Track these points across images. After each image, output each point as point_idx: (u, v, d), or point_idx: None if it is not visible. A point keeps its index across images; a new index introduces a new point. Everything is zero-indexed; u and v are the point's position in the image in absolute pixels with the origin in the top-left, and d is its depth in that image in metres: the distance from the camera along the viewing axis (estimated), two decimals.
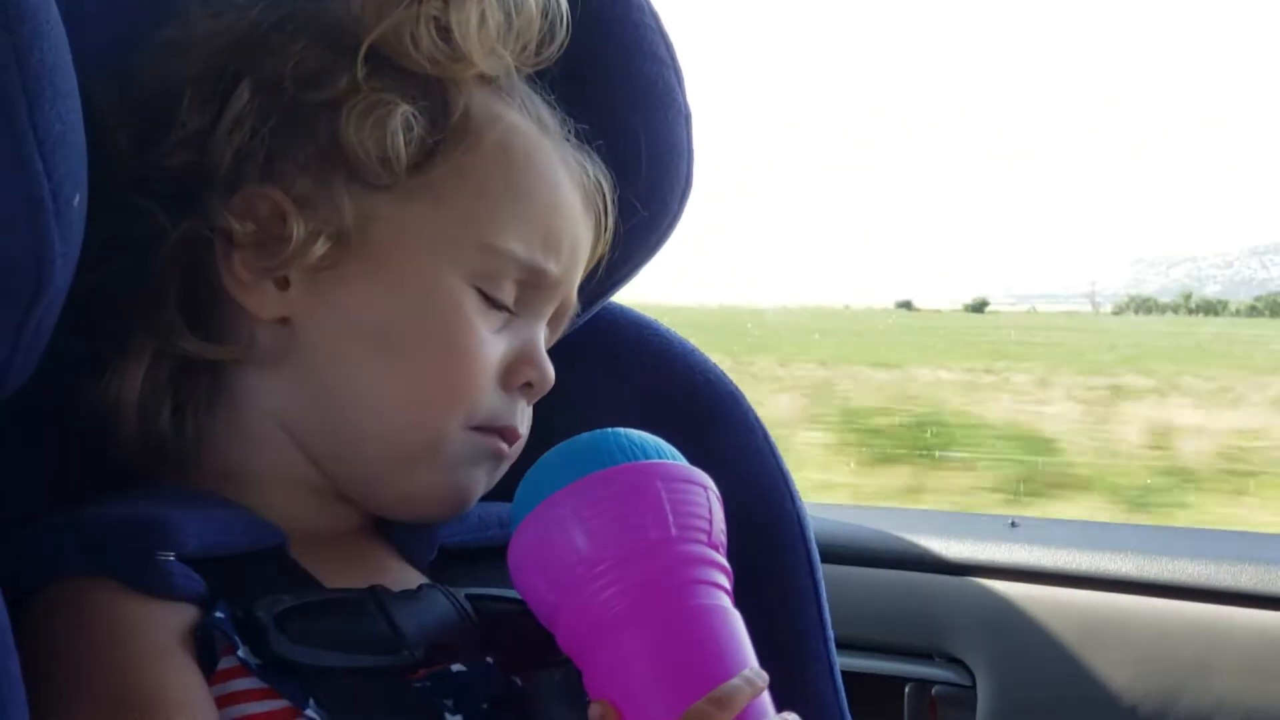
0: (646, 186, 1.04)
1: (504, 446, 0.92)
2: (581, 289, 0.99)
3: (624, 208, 1.01)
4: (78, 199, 0.78)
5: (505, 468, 0.94)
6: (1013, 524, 1.71)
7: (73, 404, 0.90)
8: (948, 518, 1.97)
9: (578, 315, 1.06)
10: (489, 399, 0.91)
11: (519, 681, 0.87)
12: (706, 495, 0.85)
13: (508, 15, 0.93)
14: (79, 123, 0.78)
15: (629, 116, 1.02)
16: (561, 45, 0.96)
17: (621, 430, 0.86)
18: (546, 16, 0.95)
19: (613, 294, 1.09)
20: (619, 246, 1.03)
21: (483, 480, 0.93)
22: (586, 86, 1.01)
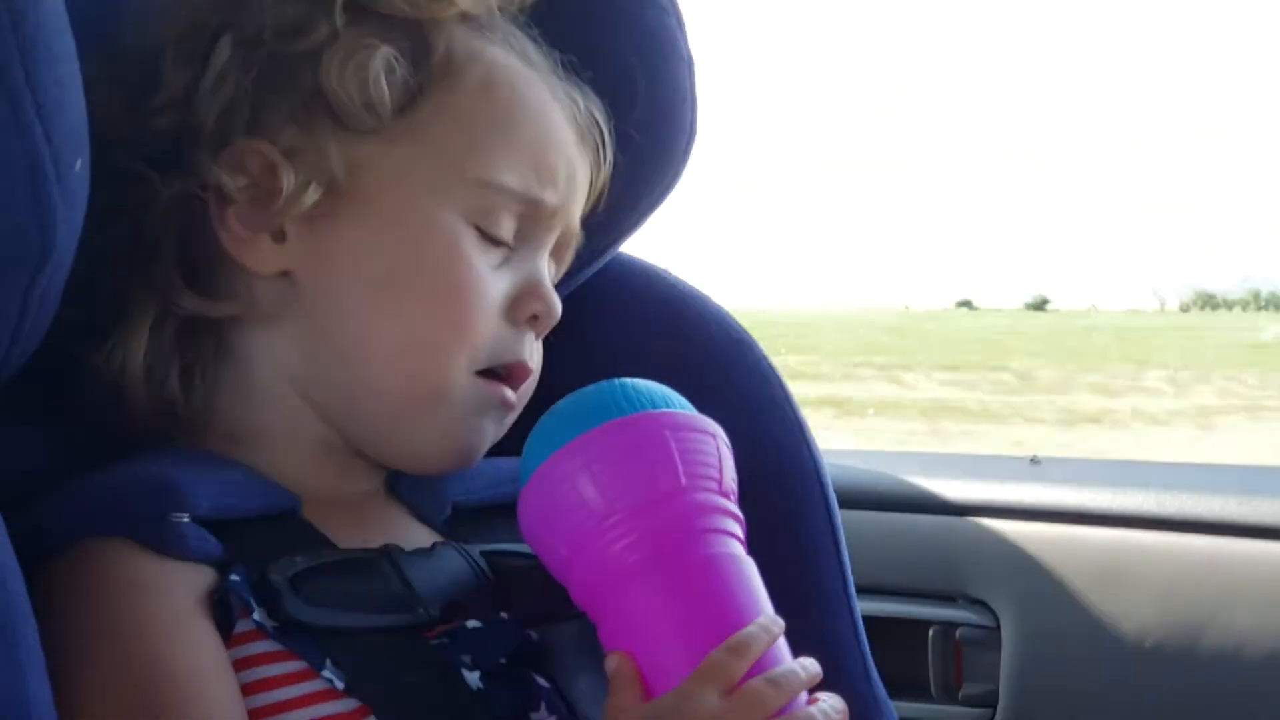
0: (652, 133, 1.03)
1: (510, 395, 0.92)
2: (586, 223, 0.99)
3: (629, 150, 1.00)
4: (79, 163, 0.78)
5: (512, 418, 0.94)
6: (1033, 460, 1.70)
7: (81, 375, 0.90)
8: (968, 460, 1.96)
9: (587, 266, 1.06)
10: (494, 335, 0.90)
11: (535, 636, 0.88)
12: (716, 443, 0.85)
13: None
14: (78, 87, 0.78)
15: (632, 62, 1.02)
16: None
17: (629, 380, 0.85)
18: None
19: (621, 243, 1.09)
20: (626, 194, 1.03)
21: (489, 431, 0.93)
22: (589, 33, 1.00)
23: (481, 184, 0.90)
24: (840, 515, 1.10)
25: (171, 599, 0.81)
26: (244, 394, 0.92)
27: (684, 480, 0.82)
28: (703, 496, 0.83)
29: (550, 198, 0.92)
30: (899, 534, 1.65)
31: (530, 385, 0.95)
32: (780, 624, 0.81)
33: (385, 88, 0.88)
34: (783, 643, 0.82)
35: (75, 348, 0.89)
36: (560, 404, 0.85)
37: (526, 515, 0.84)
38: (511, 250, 0.92)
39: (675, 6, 1.05)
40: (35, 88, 0.74)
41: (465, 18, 0.93)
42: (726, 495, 0.84)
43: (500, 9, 0.95)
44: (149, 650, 0.79)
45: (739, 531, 0.84)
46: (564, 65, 0.97)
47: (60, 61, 0.76)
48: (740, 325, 1.12)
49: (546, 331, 0.94)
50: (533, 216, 0.92)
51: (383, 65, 0.88)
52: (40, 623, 0.73)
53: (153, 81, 0.89)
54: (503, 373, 0.92)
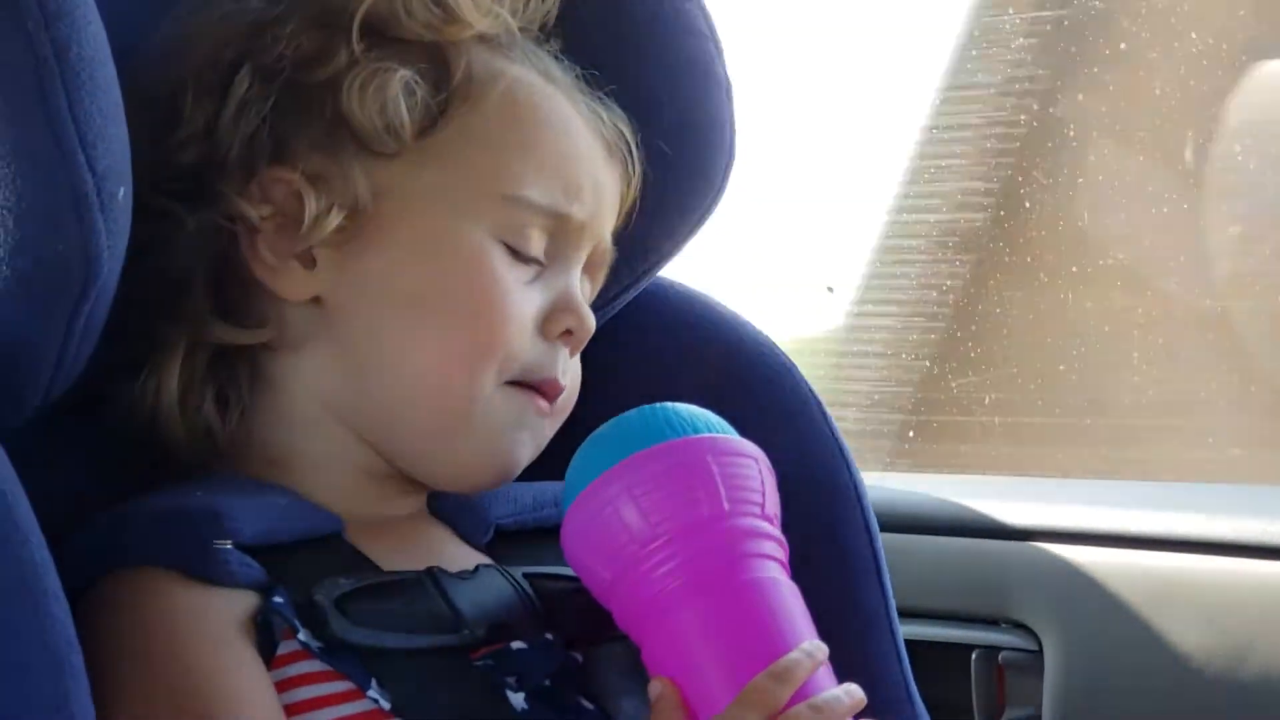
0: (690, 158, 1.03)
1: (544, 404, 0.92)
2: (624, 246, 0.99)
3: (664, 176, 1.01)
4: (122, 192, 0.78)
5: (550, 430, 0.94)
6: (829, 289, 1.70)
7: (117, 407, 0.91)
8: (1007, 483, 1.95)
9: (627, 290, 1.06)
10: (527, 351, 0.91)
11: (579, 658, 0.88)
12: (758, 468, 0.85)
13: None
14: (121, 117, 0.79)
15: (668, 89, 1.02)
16: None
17: (671, 405, 0.86)
18: None
19: (661, 267, 1.09)
20: (665, 219, 1.03)
21: (527, 444, 0.93)
22: (624, 60, 1.01)
23: (508, 200, 0.90)
24: (881, 538, 1.10)
25: (213, 624, 0.81)
26: (281, 419, 0.92)
27: (727, 505, 0.82)
28: (746, 521, 0.83)
29: (578, 212, 0.93)
30: (940, 557, 1.64)
31: (567, 402, 0.95)
32: (824, 650, 0.81)
33: (405, 110, 0.89)
34: (826, 669, 0.81)
35: (110, 380, 0.89)
36: (603, 429, 0.85)
37: (570, 539, 0.84)
38: (543, 267, 0.92)
39: (714, 32, 1.05)
40: (78, 117, 0.75)
41: (484, 38, 0.93)
42: (769, 519, 0.84)
43: (521, 29, 0.95)
44: (192, 675, 0.80)
45: (782, 556, 0.84)
46: (586, 80, 0.97)
47: (103, 91, 0.77)
48: (780, 349, 1.12)
49: (581, 347, 0.94)
50: (562, 232, 0.92)
51: (402, 88, 0.89)
52: (83, 649, 0.73)
53: (174, 116, 0.90)
54: (534, 389, 0.92)
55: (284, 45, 0.90)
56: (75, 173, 0.75)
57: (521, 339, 0.90)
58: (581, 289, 0.95)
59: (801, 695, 0.79)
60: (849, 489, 1.08)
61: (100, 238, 0.76)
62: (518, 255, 0.91)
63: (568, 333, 0.92)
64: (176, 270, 0.90)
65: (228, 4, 0.93)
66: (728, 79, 1.05)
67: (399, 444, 0.92)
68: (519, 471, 0.94)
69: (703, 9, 1.05)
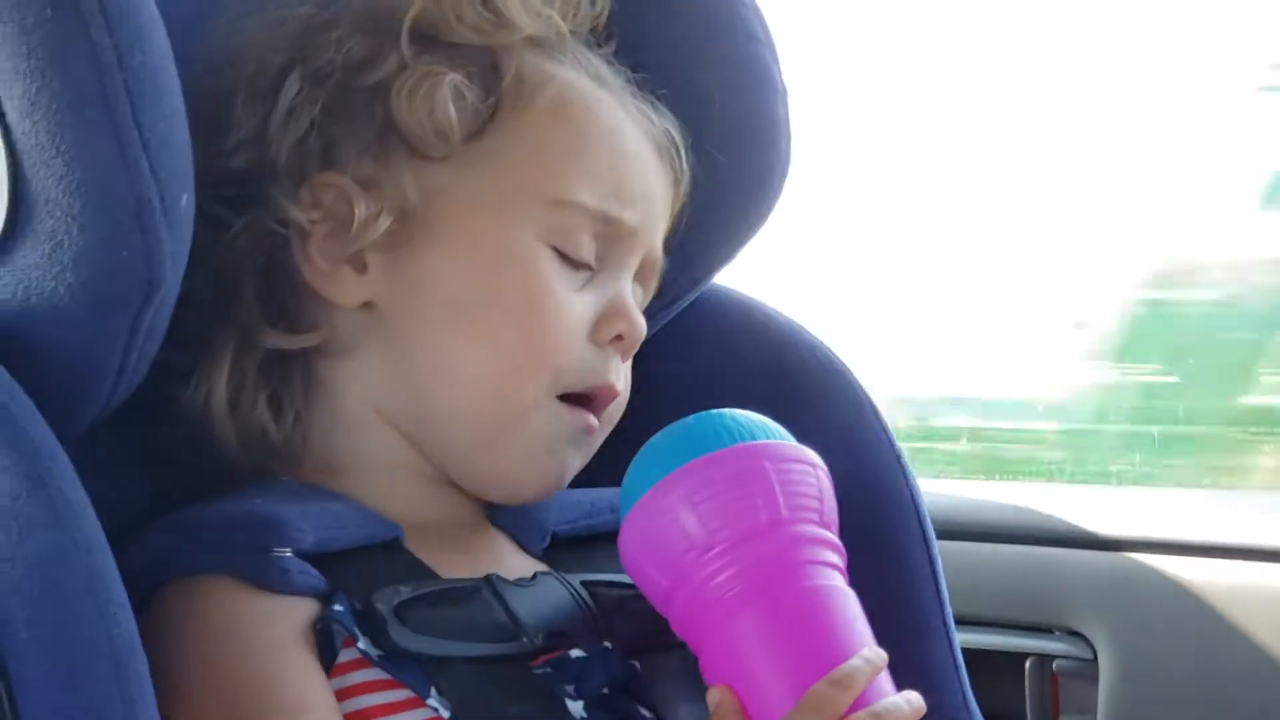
0: (745, 164, 1.03)
1: (592, 421, 0.92)
2: (679, 253, 0.99)
3: (719, 181, 1.01)
4: (185, 199, 0.79)
5: (596, 444, 0.94)
6: None
7: (170, 413, 0.91)
8: (1064, 493, 1.94)
9: (683, 296, 1.06)
10: (579, 356, 0.90)
11: (637, 665, 0.88)
12: (816, 474, 0.84)
13: None
14: (183, 122, 0.79)
15: (722, 93, 1.02)
16: (608, 1, 0.96)
17: (728, 411, 0.85)
18: None
19: (716, 273, 1.09)
20: (720, 225, 1.03)
21: (574, 458, 0.93)
22: (678, 64, 1.01)
23: (558, 203, 0.90)
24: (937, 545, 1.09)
25: (274, 632, 0.81)
26: (335, 424, 0.92)
27: (785, 512, 0.82)
28: (804, 528, 0.82)
29: (629, 217, 0.92)
30: (994, 564, 1.63)
31: (618, 407, 0.95)
32: (883, 657, 0.81)
33: (454, 114, 0.89)
34: (886, 676, 0.81)
35: (163, 387, 0.89)
36: (660, 435, 0.85)
37: (627, 546, 0.84)
38: (594, 272, 0.92)
39: (769, 37, 1.05)
40: (141, 123, 0.75)
41: (534, 42, 0.93)
42: (827, 526, 0.84)
43: (572, 31, 0.95)
44: (253, 684, 0.80)
45: (840, 563, 0.84)
46: (637, 84, 0.97)
47: (165, 96, 0.77)
48: (836, 355, 1.11)
49: (633, 352, 0.94)
50: (613, 236, 0.92)
51: (451, 92, 0.89)
52: (147, 657, 0.74)
53: (225, 122, 0.90)
54: (589, 396, 0.92)
55: (334, 50, 0.90)
56: (139, 179, 0.75)
57: (572, 345, 0.90)
58: (634, 296, 0.95)
59: (862, 702, 0.78)
60: (905, 496, 1.08)
61: (163, 245, 0.77)
62: (568, 260, 0.90)
63: (619, 338, 0.92)
64: (227, 275, 0.90)
65: (277, 9, 0.93)
66: (783, 85, 1.05)
67: (447, 451, 0.92)
68: (564, 485, 0.94)
69: (758, 14, 1.05)
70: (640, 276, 0.96)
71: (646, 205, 0.94)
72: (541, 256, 0.90)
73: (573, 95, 0.93)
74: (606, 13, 0.97)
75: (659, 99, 0.98)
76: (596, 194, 0.91)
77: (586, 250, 0.91)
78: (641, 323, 0.93)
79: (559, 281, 0.90)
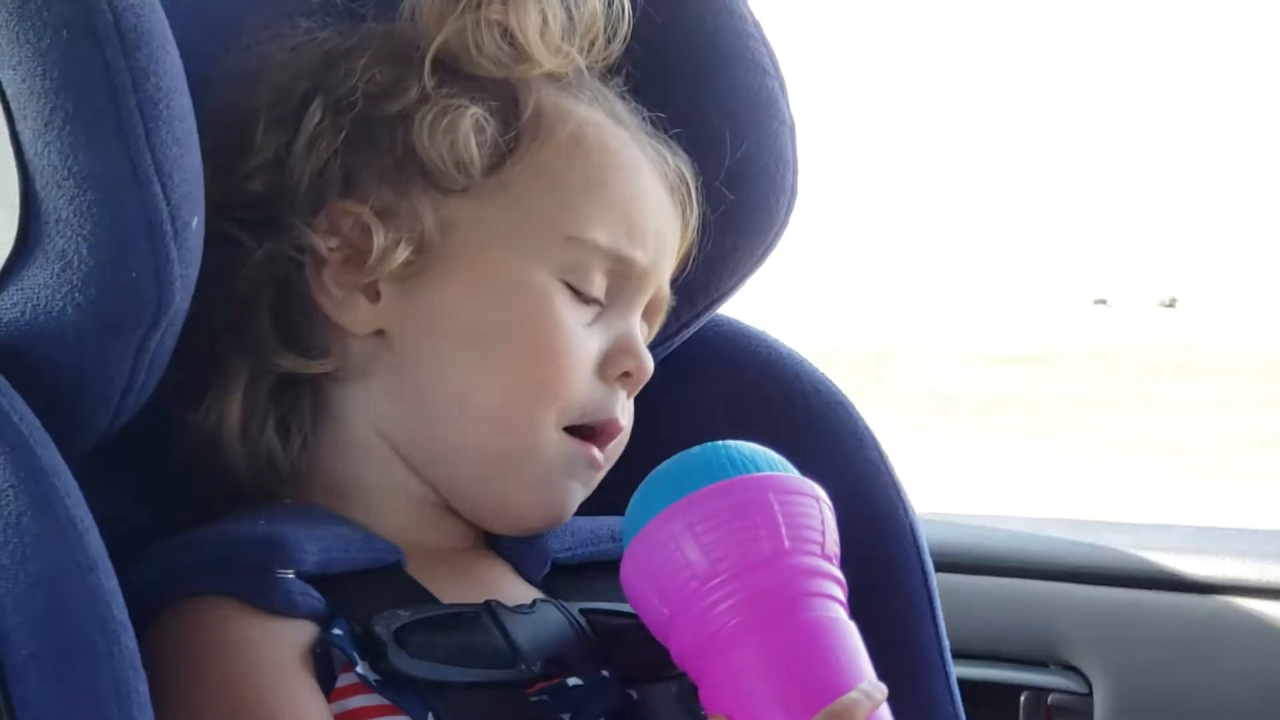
0: (752, 196, 1.03)
1: (598, 455, 0.92)
2: (683, 285, 0.99)
3: (726, 213, 1.01)
4: (196, 221, 0.79)
5: (599, 478, 0.94)
6: None
7: (179, 434, 0.91)
8: (1063, 525, 1.95)
9: (686, 327, 1.06)
10: (586, 392, 0.91)
11: (635, 695, 0.88)
12: (819, 506, 0.85)
13: (570, 12, 0.94)
14: (195, 146, 0.79)
15: (732, 127, 1.02)
16: (625, 38, 0.97)
17: (732, 443, 0.85)
18: (610, 11, 0.96)
19: (720, 305, 1.09)
20: (725, 257, 1.03)
21: (578, 491, 0.93)
22: (688, 97, 1.01)
23: (572, 241, 0.91)
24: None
25: (275, 654, 0.82)
26: (342, 449, 0.93)
27: (788, 543, 0.82)
28: (806, 560, 0.83)
29: (641, 256, 0.93)
30: (991, 597, 1.64)
31: (620, 443, 0.95)
32: (883, 690, 0.81)
33: (475, 147, 0.89)
34: (885, 709, 0.81)
35: (172, 407, 0.90)
36: (664, 466, 0.85)
37: (630, 574, 0.84)
38: (603, 308, 0.92)
39: (778, 69, 1.05)
40: (155, 146, 0.76)
41: (553, 77, 0.94)
42: (829, 558, 0.84)
43: (589, 68, 0.96)
44: (253, 706, 0.80)
45: (841, 595, 0.84)
46: (652, 122, 0.98)
47: (179, 120, 0.78)
48: (837, 387, 1.12)
49: (638, 389, 0.95)
50: (624, 275, 0.93)
51: (472, 125, 0.89)
52: (147, 676, 0.74)
53: (245, 146, 0.91)
54: (593, 430, 0.92)
55: (356, 78, 0.90)
56: (150, 201, 0.76)
57: (581, 381, 0.91)
58: (639, 332, 0.95)
59: None
60: (905, 528, 1.08)
61: (173, 267, 0.77)
62: (579, 295, 0.91)
63: (626, 375, 0.93)
64: (242, 298, 0.90)
65: (298, 35, 0.94)
66: (791, 118, 1.05)
67: (453, 479, 0.92)
68: (567, 518, 0.94)
69: (767, 46, 1.05)
70: (647, 314, 0.96)
71: (658, 245, 0.94)
72: (554, 292, 0.90)
73: (590, 132, 0.93)
74: (622, 49, 0.97)
75: (673, 138, 0.98)
76: (610, 233, 0.91)
77: (598, 287, 0.91)
78: (649, 361, 0.94)
79: (570, 318, 0.90)
